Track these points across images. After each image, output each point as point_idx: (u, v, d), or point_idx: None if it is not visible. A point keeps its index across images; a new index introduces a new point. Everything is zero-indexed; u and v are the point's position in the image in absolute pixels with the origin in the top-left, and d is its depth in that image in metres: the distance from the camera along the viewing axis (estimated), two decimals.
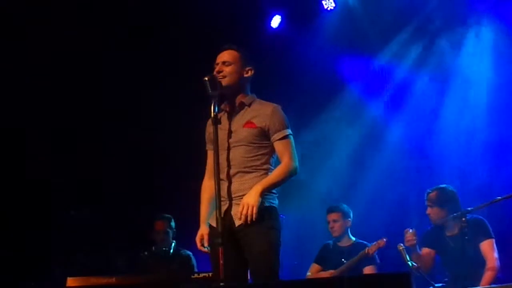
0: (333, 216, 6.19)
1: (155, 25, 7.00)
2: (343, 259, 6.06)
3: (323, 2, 7.19)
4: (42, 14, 6.66)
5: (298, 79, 7.17)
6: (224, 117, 4.16)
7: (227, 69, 4.12)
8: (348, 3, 7.17)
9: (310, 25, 7.26)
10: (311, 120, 7.02)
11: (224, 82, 4.10)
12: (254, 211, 3.91)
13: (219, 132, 4.05)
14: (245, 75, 4.18)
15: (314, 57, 7.13)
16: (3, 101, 6.73)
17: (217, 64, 4.15)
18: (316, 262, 6.28)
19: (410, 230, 5.39)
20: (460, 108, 6.77)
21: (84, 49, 6.81)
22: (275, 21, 7.38)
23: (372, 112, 7.27)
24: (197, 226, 4.24)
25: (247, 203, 3.92)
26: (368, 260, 5.92)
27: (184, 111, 6.72)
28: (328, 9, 7.19)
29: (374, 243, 5.86)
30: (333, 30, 7.20)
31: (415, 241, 5.38)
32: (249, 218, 3.91)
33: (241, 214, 3.93)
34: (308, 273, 6.27)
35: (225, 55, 4.16)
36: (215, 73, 4.11)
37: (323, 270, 6.20)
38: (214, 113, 3.92)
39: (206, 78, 3.96)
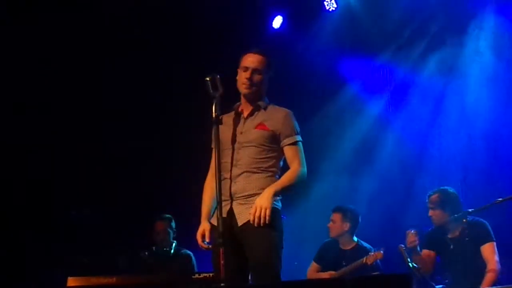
0: (332, 216, 6.18)
1: (156, 26, 6.99)
2: (344, 262, 6.04)
3: (325, 3, 7.20)
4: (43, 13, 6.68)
5: (300, 79, 7.17)
6: (234, 117, 4.17)
7: (257, 78, 4.12)
8: (349, 4, 7.17)
9: (312, 26, 7.26)
10: (312, 120, 7.00)
11: (252, 90, 4.11)
12: (268, 214, 3.91)
13: (228, 131, 4.07)
14: (268, 82, 4.20)
15: (316, 58, 7.14)
16: (4, 101, 6.73)
17: (247, 68, 4.12)
18: (315, 261, 6.27)
19: (412, 231, 5.38)
20: (462, 107, 6.77)
21: (85, 49, 6.81)
22: (277, 22, 7.38)
23: (373, 113, 7.26)
24: (197, 226, 4.23)
25: (260, 205, 3.92)
26: (371, 268, 5.89)
27: (185, 111, 6.72)
28: (330, 10, 7.20)
29: (371, 253, 5.82)
30: (335, 31, 7.19)
31: (417, 242, 5.37)
32: (262, 221, 3.91)
33: (253, 215, 3.92)
34: (307, 272, 6.26)
35: (257, 62, 4.13)
36: (244, 78, 4.10)
37: (322, 269, 6.18)
38: (216, 114, 3.89)
39: (208, 79, 3.92)
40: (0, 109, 6.76)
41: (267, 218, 3.91)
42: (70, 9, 6.73)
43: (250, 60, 4.14)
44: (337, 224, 6.14)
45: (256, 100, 4.17)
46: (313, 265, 6.27)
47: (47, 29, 6.67)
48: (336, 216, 6.15)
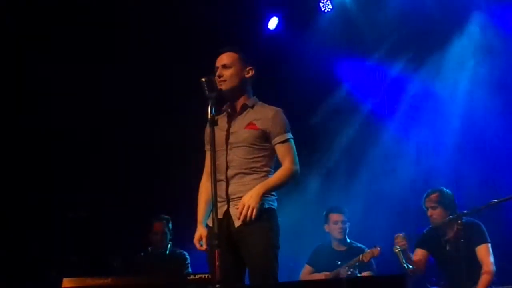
0: (341, 217, 6.17)
1: (152, 27, 6.99)
2: (338, 262, 6.04)
3: (320, 4, 7.21)
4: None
5: (295, 81, 7.17)
6: (225, 118, 4.16)
7: (227, 73, 4.11)
8: (345, 5, 7.18)
9: (307, 27, 7.26)
10: (307, 121, 7.01)
11: (225, 86, 4.09)
12: (254, 213, 3.90)
13: (220, 133, 4.06)
14: (246, 76, 4.16)
15: (311, 59, 7.14)
16: (4, 102, 6.73)
17: (217, 68, 4.14)
18: (309, 263, 6.27)
19: (401, 235, 5.38)
20: (456, 109, 6.78)
21: (84, 50, 6.81)
22: (272, 23, 7.39)
23: (368, 114, 7.27)
24: (192, 227, 4.23)
25: (248, 203, 3.91)
26: (365, 266, 5.90)
27: (182, 112, 6.72)
28: (325, 11, 7.21)
29: (368, 250, 5.82)
30: (330, 32, 7.20)
31: (406, 245, 5.37)
32: (247, 219, 3.91)
33: (240, 213, 3.92)
34: (300, 275, 6.26)
35: (224, 58, 4.15)
36: (216, 77, 4.09)
37: (316, 272, 6.18)
38: (211, 115, 3.89)
39: (203, 79, 3.93)
40: (1, 110, 6.76)
41: (253, 217, 3.89)
42: (70, 9, 6.74)
43: (219, 59, 4.17)
44: (346, 225, 6.16)
45: (238, 96, 4.16)
46: (306, 267, 6.27)
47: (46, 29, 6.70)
48: (342, 217, 6.17)
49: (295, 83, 7.17)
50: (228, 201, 4.04)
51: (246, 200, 3.93)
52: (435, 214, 5.45)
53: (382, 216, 6.71)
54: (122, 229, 6.83)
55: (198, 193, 4.27)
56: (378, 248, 5.75)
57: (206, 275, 3.93)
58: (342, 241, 6.18)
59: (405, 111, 7.12)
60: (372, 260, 5.86)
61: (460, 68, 6.80)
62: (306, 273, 6.25)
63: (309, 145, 6.91)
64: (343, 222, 6.16)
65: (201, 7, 6.90)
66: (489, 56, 6.66)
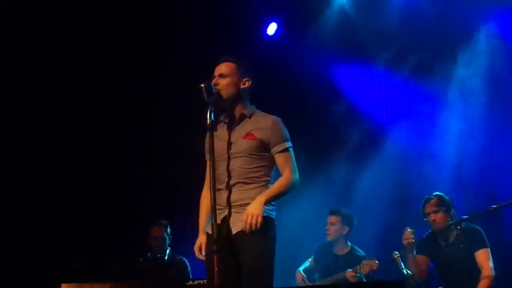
0: (331, 219, 6.11)
1: (150, 33, 7.00)
2: (332, 267, 6.00)
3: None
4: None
5: (295, 86, 7.17)
6: (224, 128, 4.17)
7: (223, 82, 4.12)
8: (344, 11, 7.19)
9: (307, 33, 7.27)
10: (307, 126, 7.01)
11: (221, 94, 4.09)
12: (259, 221, 3.91)
13: (219, 143, 4.07)
14: (242, 86, 4.17)
15: (311, 64, 7.14)
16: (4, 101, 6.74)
17: (215, 76, 4.16)
18: (314, 258, 6.26)
19: (409, 229, 5.37)
20: (458, 113, 6.78)
21: (83, 51, 6.82)
22: (271, 29, 7.40)
23: (369, 119, 7.27)
24: (192, 232, 4.23)
25: (251, 212, 3.92)
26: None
27: (182, 118, 6.73)
28: None
29: (366, 262, 5.69)
30: (330, 38, 7.20)
31: (413, 241, 5.36)
32: (253, 227, 3.91)
33: (245, 223, 3.92)
34: (307, 264, 6.25)
35: (222, 68, 4.17)
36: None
37: (316, 267, 6.18)
38: (210, 120, 3.90)
39: (202, 85, 3.95)
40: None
41: (258, 225, 3.90)
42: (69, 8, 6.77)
43: (217, 68, 4.19)
44: (335, 227, 6.07)
45: (234, 105, 4.17)
46: (312, 261, 6.26)
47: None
48: (335, 219, 6.09)
49: (294, 88, 7.17)
50: (229, 208, 4.04)
51: (250, 210, 3.94)
52: (438, 218, 5.43)
53: (381, 221, 6.70)
54: (121, 234, 6.82)
55: (198, 199, 4.28)
56: (377, 262, 5.65)
57: (204, 281, 3.94)
58: (335, 244, 6.09)
59: (406, 114, 7.11)
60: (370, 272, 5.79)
61: (460, 74, 6.80)
62: (311, 266, 6.25)
63: (308, 152, 6.91)
64: (333, 224, 6.09)
65: (200, 13, 6.91)
66: (490, 61, 6.67)
